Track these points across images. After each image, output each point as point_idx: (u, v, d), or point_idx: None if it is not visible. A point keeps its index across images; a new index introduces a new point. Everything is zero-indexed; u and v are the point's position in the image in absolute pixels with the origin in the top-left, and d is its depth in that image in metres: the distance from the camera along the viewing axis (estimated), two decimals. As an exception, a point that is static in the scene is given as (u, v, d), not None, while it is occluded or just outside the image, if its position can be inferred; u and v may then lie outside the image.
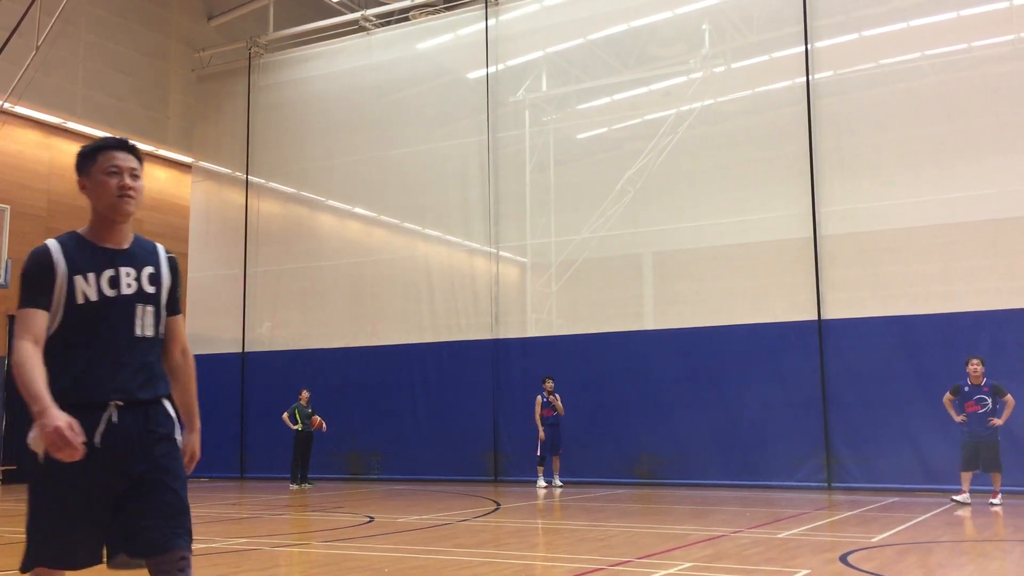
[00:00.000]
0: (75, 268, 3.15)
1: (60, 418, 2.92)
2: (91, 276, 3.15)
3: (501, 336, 17.62)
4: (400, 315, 18.86)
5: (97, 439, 3.06)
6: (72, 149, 20.32)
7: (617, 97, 18.39)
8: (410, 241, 19.48)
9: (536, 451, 15.42)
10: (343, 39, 20.38)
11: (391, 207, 19.58)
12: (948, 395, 11.97)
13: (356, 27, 20.23)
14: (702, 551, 7.66)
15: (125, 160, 3.28)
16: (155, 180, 22.36)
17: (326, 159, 20.23)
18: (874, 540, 8.32)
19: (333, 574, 6.69)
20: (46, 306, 3.13)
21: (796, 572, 6.44)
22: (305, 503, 13.76)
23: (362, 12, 20.00)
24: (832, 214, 15.05)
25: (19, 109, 18.30)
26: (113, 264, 3.22)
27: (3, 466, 18.52)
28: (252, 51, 21.22)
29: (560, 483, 15.38)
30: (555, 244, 17.76)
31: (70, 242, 3.24)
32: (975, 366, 11.81)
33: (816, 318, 14.89)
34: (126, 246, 3.30)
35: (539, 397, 15.37)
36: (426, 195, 19.06)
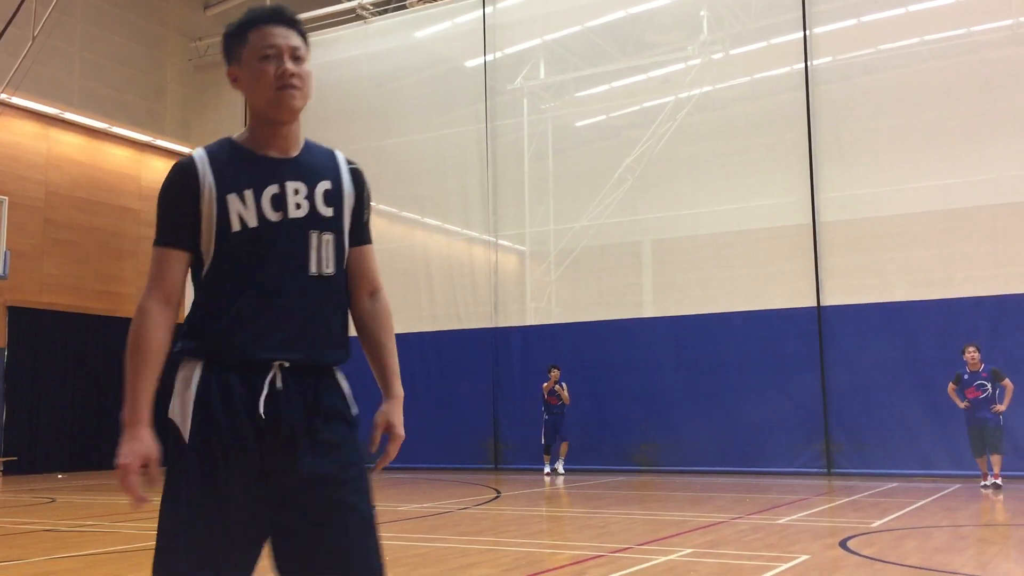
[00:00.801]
0: (226, 184, 2.35)
1: (140, 451, 2.22)
2: (248, 194, 2.35)
3: (500, 325, 17.63)
4: (399, 304, 18.79)
5: (260, 408, 2.27)
6: (69, 140, 20.33)
7: (615, 84, 18.35)
8: (409, 230, 19.46)
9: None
10: (340, 28, 20.31)
11: (389, 196, 19.55)
12: (951, 384, 12.09)
13: (353, 16, 20.16)
14: (702, 537, 7.68)
15: (285, 37, 2.43)
16: (152, 170, 22.33)
17: (324, 148, 20.17)
18: (873, 525, 8.35)
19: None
20: (186, 244, 2.36)
21: (796, 557, 6.46)
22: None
23: (359, 0, 19.93)
24: (831, 201, 15.04)
25: (16, 100, 18.25)
26: (277, 178, 2.40)
27: (3, 457, 18.56)
28: (249, 40, 21.12)
29: (562, 471, 15.32)
30: (554, 232, 17.75)
31: (221, 151, 2.42)
32: (971, 353, 11.93)
33: (815, 305, 14.90)
34: (294, 154, 2.46)
35: (544, 385, 15.33)
36: (424, 184, 19.04)
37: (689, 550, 6.94)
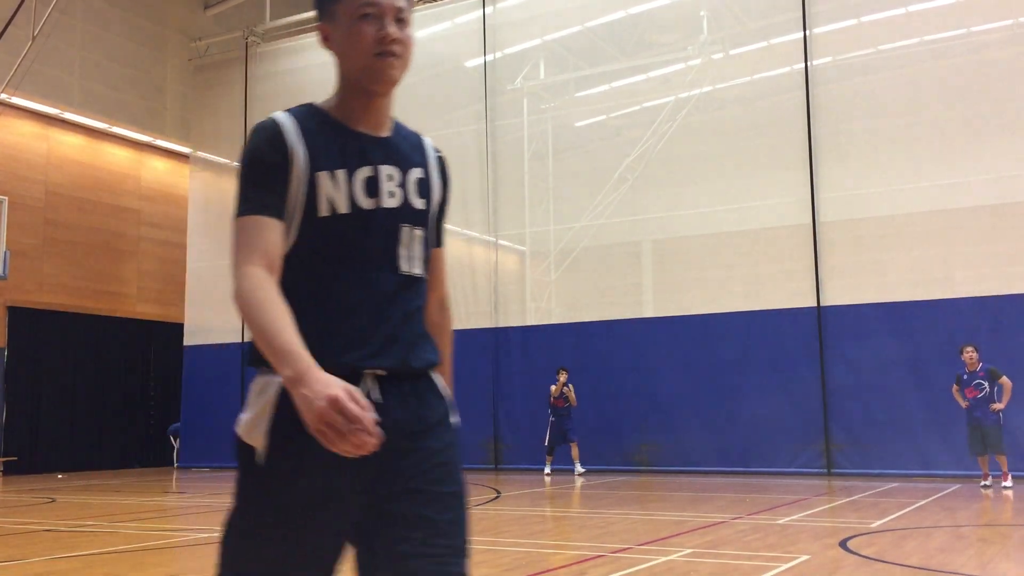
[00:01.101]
0: (318, 160, 1.99)
1: (334, 384, 1.75)
2: (340, 175, 2.00)
3: (500, 325, 17.63)
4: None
5: None
6: (69, 140, 20.41)
7: (615, 84, 18.34)
8: (409, 230, 19.45)
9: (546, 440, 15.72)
10: (340, 28, 20.28)
11: (389, 196, 19.55)
12: (954, 385, 12.21)
13: (353, 16, 20.14)
14: (702, 537, 7.68)
15: None
16: (153, 170, 22.34)
17: (324, 148, 20.18)
18: (873, 526, 8.34)
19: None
20: (278, 211, 2.01)
21: (796, 558, 6.46)
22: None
23: (359, 0, 19.91)
24: (831, 201, 15.04)
25: (16, 100, 18.26)
26: (370, 159, 2.04)
27: (3, 457, 18.56)
28: (249, 40, 21.15)
29: (582, 469, 15.32)
30: (554, 232, 17.75)
31: (310, 119, 2.07)
32: (969, 353, 12.01)
33: (815, 305, 14.90)
34: (386, 133, 2.11)
35: (552, 388, 15.36)
36: (424, 184, 19.01)
37: (689, 550, 6.94)
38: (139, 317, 21.57)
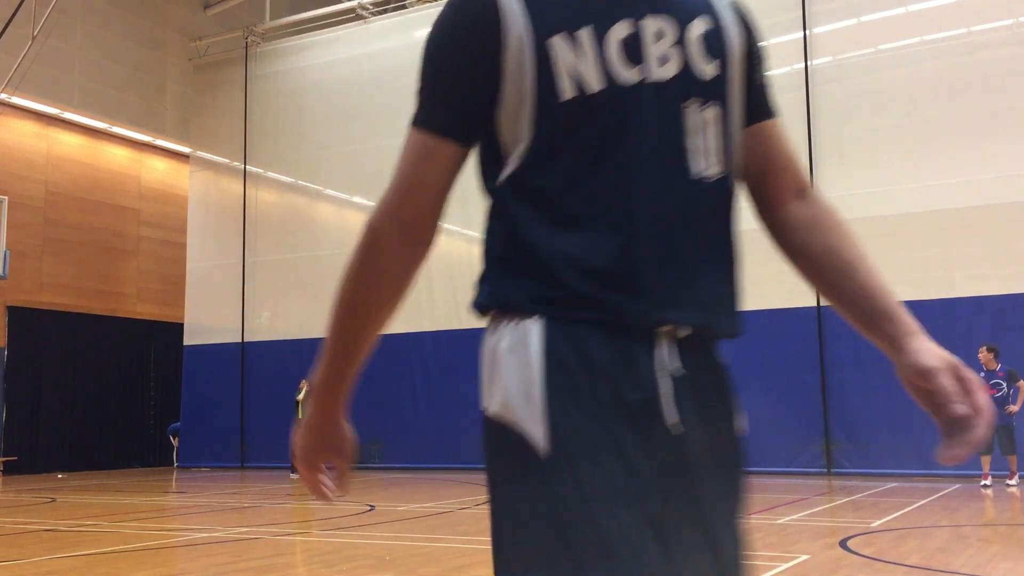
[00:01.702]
0: (547, 20, 1.37)
1: (333, 433, 1.54)
2: (584, 36, 1.36)
3: (500, 324, 17.60)
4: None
5: (669, 416, 1.35)
6: (69, 140, 20.49)
7: (615, 84, 18.33)
8: (409, 230, 19.43)
9: None
10: (340, 27, 20.31)
11: (389, 196, 19.53)
12: None
13: (353, 15, 20.16)
14: (702, 537, 7.66)
15: None
16: (153, 170, 22.34)
17: (324, 148, 20.19)
18: (873, 525, 8.34)
19: (334, 562, 6.70)
20: (463, 131, 1.43)
21: (796, 557, 6.46)
22: (305, 492, 13.76)
23: (359, 0, 19.93)
24: (831, 200, 14.96)
25: (16, 100, 18.26)
26: (625, 7, 1.39)
27: (3, 457, 18.56)
28: (249, 40, 21.15)
29: None
30: (554, 232, 17.73)
31: None
32: (983, 354, 12.07)
33: (815, 305, 14.89)
34: None
35: None
36: (424, 184, 19.00)
37: (689, 550, 6.93)
38: (139, 317, 21.57)
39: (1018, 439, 11.95)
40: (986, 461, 11.99)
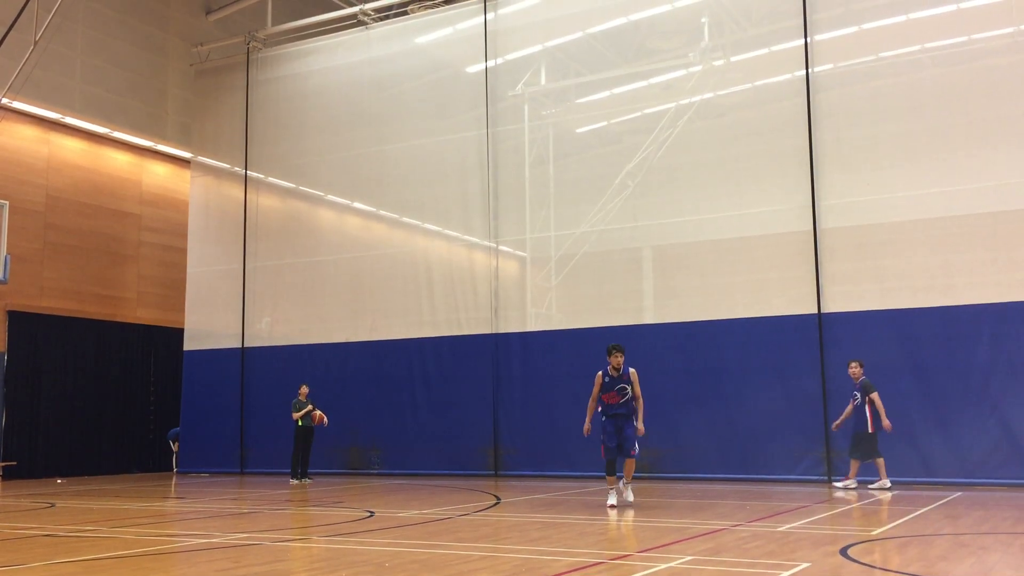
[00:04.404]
0: None
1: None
2: None
3: (501, 331, 17.62)
4: (400, 310, 18.85)
5: None
6: (70, 145, 20.54)
7: (616, 91, 18.36)
8: (409, 236, 19.47)
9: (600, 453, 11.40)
10: (342, 33, 20.35)
11: (390, 202, 19.56)
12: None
13: (355, 21, 20.19)
14: (702, 545, 7.66)
15: None
16: (154, 175, 22.35)
17: (325, 154, 20.21)
18: (874, 533, 8.32)
19: (333, 568, 6.69)
20: None
21: (796, 565, 6.45)
22: (305, 498, 13.76)
23: (360, 6, 19.96)
24: (832, 207, 15.04)
25: (17, 104, 18.28)
26: None
27: (3, 462, 18.54)
28: (250, 46, 21.19)
29: (630, 498, 11.42)
30: (555, 238, 17.75)
31: None
32: (851, 368, 13.54)
33: (816, 312, 14.89)
34: None
35: (599, 375, 11.39)
36: (425, 190, 19.04)
37: (689, 557, 6.92)
38: (139, 322, 21.57)
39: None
40: (855, 466, 13.31)
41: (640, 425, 11.20)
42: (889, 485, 13.11)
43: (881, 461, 13.25)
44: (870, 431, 13.25)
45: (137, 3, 21.45)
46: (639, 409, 11.22)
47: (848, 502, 11.50)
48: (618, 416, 11.17)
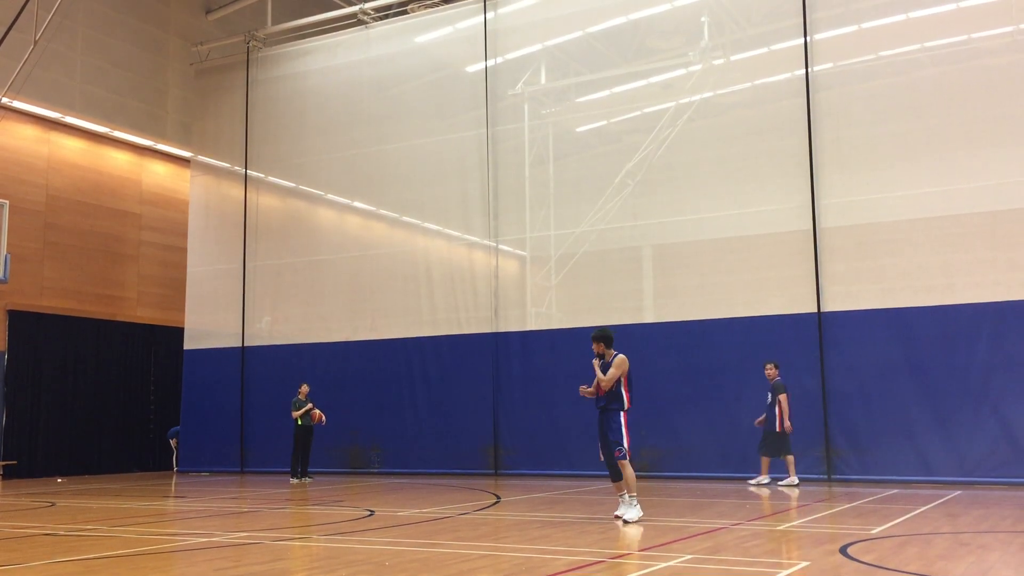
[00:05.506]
0: None
1: None
2: None
3: (501, 330, 17.63)
4: (400, 309, 18.86)
5: None
6: (70, 144, 20.53)
7: (616, 90, 18.36)
8: (409, 235, 19.47)
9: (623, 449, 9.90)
10: (341, 33, 20.35)
11: (390, 201, 19.57)
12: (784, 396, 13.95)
13: (355, 21, 20.19)
14: (702, 543, 7.66)
15: None
16: (154, 175, 22.36)
17: (325, 153, 20.22)
18: (874, 532, 8.33)
19: (334, 568, 6.69)
20: None
21: (796, 564, 6.45)
22: (305, 497, 13.77)
23: (360, 6, 19.96)
24: (831, 206, 15.04)
25: (17, 104, 18.28)
26: None
27: (3, 461, 18.55)
28: (250, 45, 21.18)
29: (623, 515, 9.51)
30: (554, 237, 17.76)
31: None
32: (767, 369, 14.04)
33: (815, 311, 14.89)
34: None
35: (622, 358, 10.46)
36: (425, 189, 19.05)
37: (689, 556, 6.93)
38: (139, 321, 21.58)
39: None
40: (766, 463, 13.98)
41: (589, 388, 10.06)
42: (797, 482, 13.57)
43: (790, 458, 13.79)
44: (778, 430, 13.77)
45: (137, 3, 21.45)
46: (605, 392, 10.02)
47: (837, 501, 11.50)
48: (599, 412, 10.21)
